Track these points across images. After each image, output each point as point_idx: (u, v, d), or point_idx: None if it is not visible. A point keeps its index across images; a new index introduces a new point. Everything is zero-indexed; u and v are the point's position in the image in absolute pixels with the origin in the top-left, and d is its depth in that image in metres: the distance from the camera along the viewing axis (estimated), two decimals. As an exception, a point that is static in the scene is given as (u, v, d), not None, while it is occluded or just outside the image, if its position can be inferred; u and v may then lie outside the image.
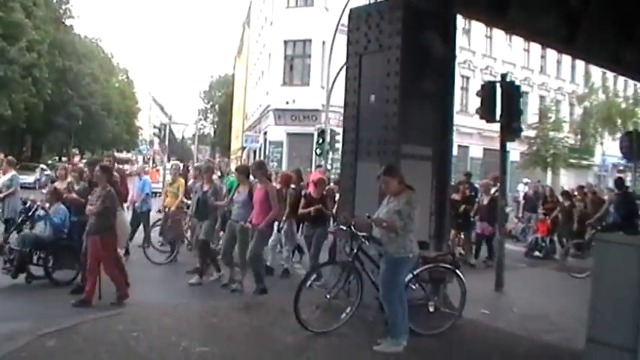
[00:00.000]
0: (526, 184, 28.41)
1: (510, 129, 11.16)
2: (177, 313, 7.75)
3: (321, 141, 24.04)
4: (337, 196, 10.78)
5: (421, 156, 7.82)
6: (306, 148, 31.31)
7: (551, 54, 45.46)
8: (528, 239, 17.22)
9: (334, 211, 10.71)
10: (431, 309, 7.08)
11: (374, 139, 7.80)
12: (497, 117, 11.18)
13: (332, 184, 13.44)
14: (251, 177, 9.93)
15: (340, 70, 25.36)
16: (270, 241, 10.73)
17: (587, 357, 5.95)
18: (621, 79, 49.36)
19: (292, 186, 11.52)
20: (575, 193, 17.32)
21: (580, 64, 46.84)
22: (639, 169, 16.87)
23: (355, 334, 6.93)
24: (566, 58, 45.99)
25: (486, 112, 11.22)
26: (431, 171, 8.01)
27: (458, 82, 35.78)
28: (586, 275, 12.92)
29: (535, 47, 43.81)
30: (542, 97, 42.71)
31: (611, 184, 46.25)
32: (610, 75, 47.06)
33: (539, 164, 37.99)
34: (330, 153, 24.75)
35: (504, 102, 11.08)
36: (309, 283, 6.65)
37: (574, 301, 10.75)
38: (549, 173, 39.41)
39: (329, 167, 23.59)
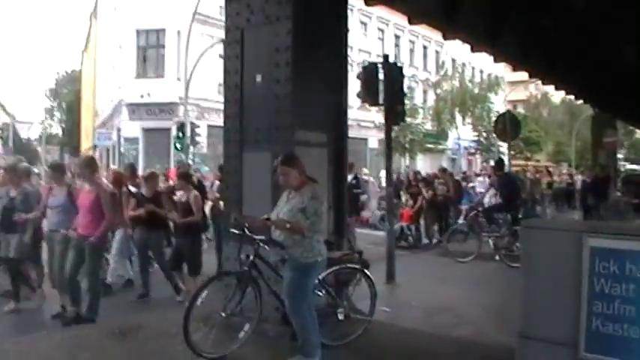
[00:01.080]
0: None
1: (394, 112, 10.57)
2: (38, 349, 6.22)
3: (180, 135, 22.64)
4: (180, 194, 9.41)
5: (316, 143, 6.89)
6: (163, 143, 29.85)
7: (405, 42, 46.74)
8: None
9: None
10: (340, 317, 6.19)
11: (263, 126, 6.74)
12: (380, 100, 10.62)
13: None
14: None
15: (198, 60, 24.30)
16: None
17: (519, 354, 5.36)
18: (473, 66, 52.06)
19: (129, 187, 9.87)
20: (438, 175, 17.42)
21: (431, 52, 48.69)
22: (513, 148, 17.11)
23: (258, 354, 5.90)
24: (418, 46, 47.53)
25: (368, 95, 10.56)
26: (327, 159, 7.11)
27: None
28: (470, 259, 12.86)
29: (389, 36, 44.88)
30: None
31: (464, 166, 48.79)
32: (462, 62, 49.38)
33: (398, 150, 38.83)
34: (192, 147, 23.49)
35: (387, 84, 10.49)
36: (199, 300, 5.50)
37: (469, 288, 10.52)
38: (407, 158, 40.45)
39: (190, 162, 22.29)
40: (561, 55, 16.07)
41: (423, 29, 46.51)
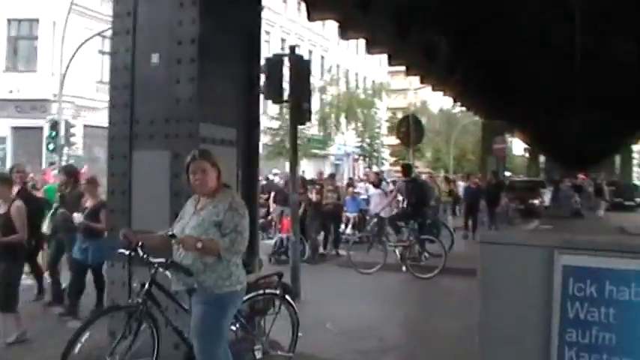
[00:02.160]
0: (276, 174, 27.74)
1: (300, 111, 9.51)
2: None
3: (53, 134, 20.52)
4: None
5: (223, 140, 5.66)
6: (34, 143, 27.32)
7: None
8: (273, 238, 14.79)
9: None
10: (258, 355, 5.01)
11: (159, 117, 5.40)
12: (285, 97, 9.56)
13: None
14: None
15: (75, 53, 22.25)
16: None
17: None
18: (361, 71, 52.36)
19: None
20: (328, 184, 16.36)
21: (317, 56, 48.31)
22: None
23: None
24: (304, 51, 46.78)
25: (271, 91, 9.44)
26: (236, 161, 5.89)
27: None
28: (375, 270, 12.05)
29: (275, 38, 43.94)
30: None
31: (347, 172, 48.78)
32: (351, 67, 49.48)
33: (283, 155, 38.06)
34: (66, 148, 21.43)
35: (293, 79, 9.42)
36: (78, 345, 4.13)
37: (384, 304, 9.66)
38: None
39: (64, 164, 20.22)
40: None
41: (309, 33, 46.10)
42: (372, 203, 16.03)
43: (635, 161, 60.13)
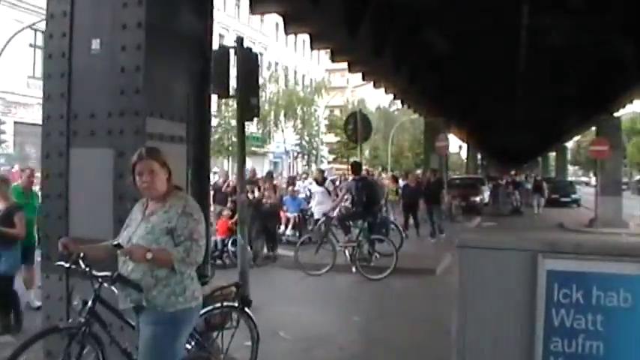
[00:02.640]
0: (215, 173, 27.07)
1: (249, 107, 8.99)
2: None
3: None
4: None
5: (173, 137, 5.12)
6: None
7: (229, 43, 45.07)
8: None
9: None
10: (215, 375, 4.52)
11: (101, 111, 4.81)
12: (232, 91, 9.02)
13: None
14: None
15: (4, 47, 21.05)
16: None
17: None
18: (300, 69, 51.91)
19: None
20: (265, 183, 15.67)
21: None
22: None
23: None
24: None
25: (218, 85, 8.85)
26: (186, 159, 5.37)
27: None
28: (325, 271, 11.66)
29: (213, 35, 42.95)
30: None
31: (286, 170, 48.32)
32: (290, 65, 49.00)
33: (222, 152, 37.32)
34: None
35: (241, 73, 8.90)
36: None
37: (337, 308, 9.29)
38: (230, 161, 38.96)
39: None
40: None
41: (248, 29, 45.36)
42: (315, 202, 15.76)
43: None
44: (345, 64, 16.38)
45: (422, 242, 16.09)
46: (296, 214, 16.46)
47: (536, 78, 20.00)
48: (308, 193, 21.75)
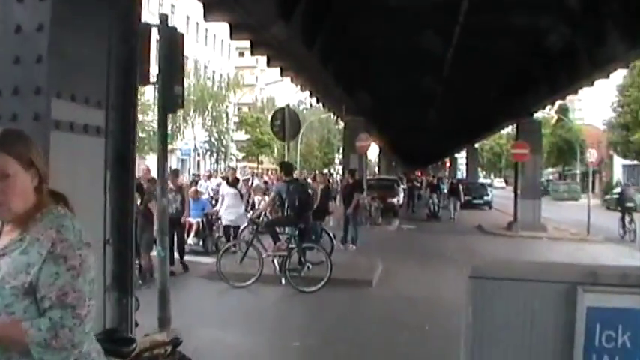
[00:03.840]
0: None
1: (171, 94, 7.71)
2: None
3: None
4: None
5: (87, 126, 3.85)
6: None
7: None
8: None
9: None
10: None
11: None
12: (153, 78, 7.72)
13: None
14: None
15: None
16: None
17: None
18: (211, 65, 50.06)
19: None
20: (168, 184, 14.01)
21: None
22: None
23: None
24: (152, 41, 43.80)
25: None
26: (104, 157, 4.10)
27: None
28: (251, 283, 10.50)
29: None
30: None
31: (194, 168, 46.47)
32: (200, 60, 47.10)
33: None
34: None
35: (164, 56, 7.61)
36: None
37: (271, 328, 8.20)
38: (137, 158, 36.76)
39: None
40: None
41: (155, 20, 43.15)
42: (225, 205, 14.27)
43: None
44: (254, 61, 15.30)
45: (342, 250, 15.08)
46: (199, 219, 14.05)
47: (459, 79, 19.64)
48: (211, 194, 20.18)
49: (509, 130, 60.44)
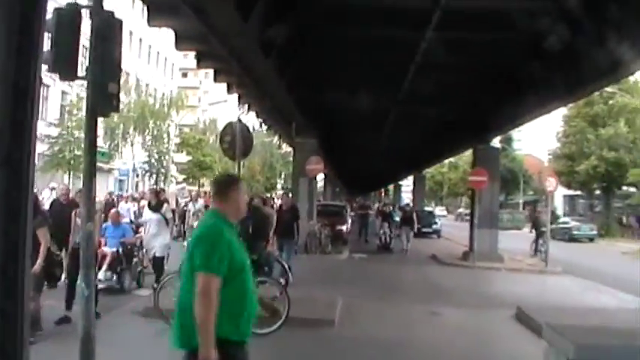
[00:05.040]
0: (53, 189, 23.22)
1: (105, 94, 6.24)
2: None
3: None
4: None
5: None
6: None
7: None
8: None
9: None
10: None
11: None
12: (82, 72, 6.26)
13: None
14: None
15: None
16: None
17: None
18: (153, 83, 48.01)
19: None
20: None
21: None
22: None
23: None
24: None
25: (60, 60, 6.07)
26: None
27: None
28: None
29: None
30: (64, 93, 37.21)
31: (132, 189, 44.19)
32: (142, 78, 45.12)
33: (62, 166, 33.04)
34: None
35: (95, 45, 6.15)
36: None
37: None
38: (70, 177, 34.53)
39: None
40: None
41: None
42: (149, 233, 12.10)
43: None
44: (197, 82, 13.90)
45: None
46: (115, 249, 11.54)
47: (415, 99, 18.75)
48: (132, 217, 18.36)
49: (452, 158, 61.12)
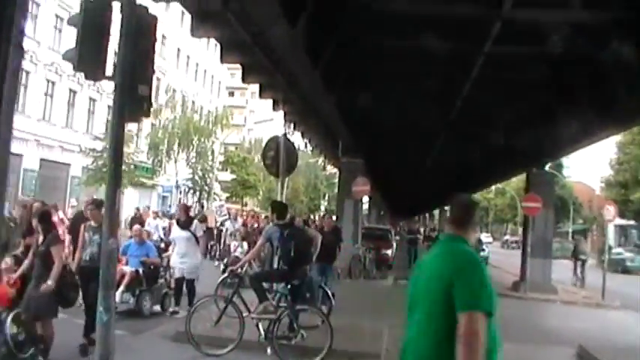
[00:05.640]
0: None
1: (135, 97, 5.63)
2: None
3: None
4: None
5: None
6: None
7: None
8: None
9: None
10: None
11: None
12: (109, 72, 5.66)
13: None
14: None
15: None
16: None
17: None
18: (199, 100, 48.25)
19: None
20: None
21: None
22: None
23: None
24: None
25: (86, 57, 5.50)
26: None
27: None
28: (228, 351, 8.25)
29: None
30: (110, 107, 37.43)
31: (175, 206, 44.07)
32: (188, 94, 45.32)
33: (104, 180, 32.99)
34: None
35: (128, 44, 5.56)
36: None
37: None
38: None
39: None
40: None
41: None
42: (176, 252, 11.14)
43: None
44: (243, 101, 13.39)
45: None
46: (134, 269, 10.60)
47: (467, 120, 17.82)
48: (161, 236, 17.60)
49: (499, 184, 59.31)
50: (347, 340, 9.00)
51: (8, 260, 7.80)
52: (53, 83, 32.13)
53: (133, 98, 5.58)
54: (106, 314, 5.26)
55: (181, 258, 10.92)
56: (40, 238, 6.86)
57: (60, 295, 6.70)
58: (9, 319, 6.65)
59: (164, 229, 18.62)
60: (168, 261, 11.56)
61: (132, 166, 35.02)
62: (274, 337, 8.17)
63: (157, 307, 11.12)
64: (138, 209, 23.55)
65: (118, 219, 5.88)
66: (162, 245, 13.49)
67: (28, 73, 29.97)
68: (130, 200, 32.85)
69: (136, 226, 11.78)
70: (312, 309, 8.97)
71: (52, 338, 6.81)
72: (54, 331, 6.87)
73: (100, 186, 32.76)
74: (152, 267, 10.98)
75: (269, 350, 8.13)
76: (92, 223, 7.99)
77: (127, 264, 10.62)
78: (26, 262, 7.20)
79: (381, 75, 14.57)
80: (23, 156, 30.27)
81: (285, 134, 11.30)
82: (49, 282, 6.51)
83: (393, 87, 15.59)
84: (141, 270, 10.69)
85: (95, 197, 20.80)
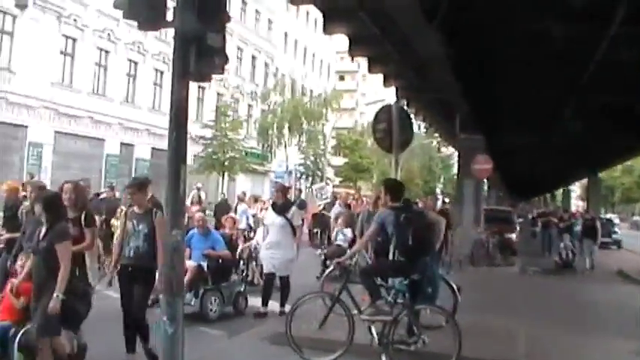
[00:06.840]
0: (199, 189, 22.93)
1: (202, 46, 4.39)
2: None
3: None
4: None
5: None
6: None
7: (232, 49, 40.95)
8: None
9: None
10: None
11: None
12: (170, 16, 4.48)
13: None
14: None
15: None
16: None
17: None
18: (308, 84, 47.80)
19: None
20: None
21: (260, 63, 43.14)
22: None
23: None
24: (247, 55, 41.69)
25: (138, 3, 4.34)
26: None
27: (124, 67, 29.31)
28: (335, 357, 7.02)
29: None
30: (219, 95, 37.40)
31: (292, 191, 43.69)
32: (297, 78, 44.86)
33: (216, 168, 33.06)
34: None
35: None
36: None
37: None
38: (225, 178, 34.46)
39: None
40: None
41: (254, 36, 41.21)
42: (267, 240, 9.56)
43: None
44: (354, 85, 12.18)
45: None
46: (196, 264, 9.06)
47: (596, 92, 15.54)
48: (247, 223, 16.02)
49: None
50: (476, 343, 7.48)
51: (24, 257, 6.25)
52: (162, 73, 32.38)
53: (201, 50, 4.36)
54: (172, 325, 4.10)
55: (273, 249, 9.40)
56: (43, 230, 5.43)
57: (65, 309, 5.24)
58: (17, 338, 5.46)
59: (254, 216, 16.75)
60: (250, 253, 10.30)
61: (243, 153, 34.85)
62: (390, 342, 6.80)
63: (230, 309, 9.54)
64: (224, 194, 23.16)
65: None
66: (252, 235, 12.28)
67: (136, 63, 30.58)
68: (243, 187, 32.61)
69: (199, 214, 10.16)
70: (433, 308, 7.52)
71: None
72: (74, 344, 5.59)
73: (210, 173, 32.91)
74: (220, 261, 9.43)
75: (384, 358, 6.78)
76: (136, 209, 6.60)
77: (190, 258, 9.02)
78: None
79: (501, 52, 12.82)
80: (135, 146, 30.82)
81: (397, 101, 9.69)
82: (56, 294, 5.14)
83: (513, 64, 13.77)
84: (205, 265, 9.18)
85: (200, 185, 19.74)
